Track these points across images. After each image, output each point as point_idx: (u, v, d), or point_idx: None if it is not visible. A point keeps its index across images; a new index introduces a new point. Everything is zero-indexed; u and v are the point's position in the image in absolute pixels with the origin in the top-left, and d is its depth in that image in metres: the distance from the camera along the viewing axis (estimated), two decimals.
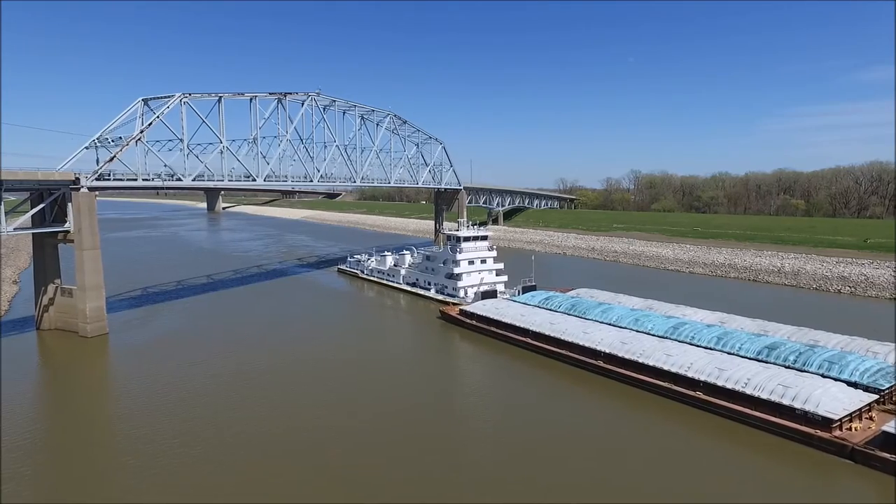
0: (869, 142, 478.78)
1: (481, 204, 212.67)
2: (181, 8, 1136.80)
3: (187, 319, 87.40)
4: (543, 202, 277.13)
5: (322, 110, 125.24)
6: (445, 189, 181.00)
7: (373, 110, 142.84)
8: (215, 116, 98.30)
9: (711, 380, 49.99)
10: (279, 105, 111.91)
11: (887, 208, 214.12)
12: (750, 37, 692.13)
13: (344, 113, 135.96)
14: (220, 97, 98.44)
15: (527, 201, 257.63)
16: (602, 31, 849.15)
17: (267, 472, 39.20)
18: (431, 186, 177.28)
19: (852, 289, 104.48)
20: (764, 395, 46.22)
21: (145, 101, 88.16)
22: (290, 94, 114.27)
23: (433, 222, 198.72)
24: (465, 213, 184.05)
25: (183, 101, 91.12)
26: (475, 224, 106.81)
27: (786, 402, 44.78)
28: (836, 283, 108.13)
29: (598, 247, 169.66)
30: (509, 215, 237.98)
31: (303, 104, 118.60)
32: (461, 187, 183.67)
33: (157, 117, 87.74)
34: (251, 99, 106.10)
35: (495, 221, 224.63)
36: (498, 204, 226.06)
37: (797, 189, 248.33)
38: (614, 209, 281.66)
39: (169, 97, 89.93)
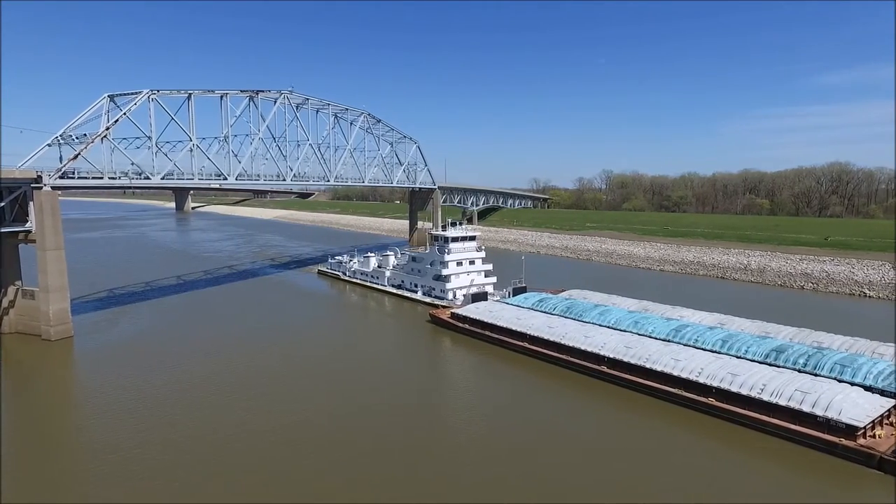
0: (829, 143, 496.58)
1: (455, 203, 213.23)
2: (154, 6, 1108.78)
3: (156, 322, 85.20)
4: (517, 202, 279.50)
5: (295, 108, 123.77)
6: (420, 188, 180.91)
7: (346, 109, 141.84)
8: (185, 114, 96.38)
9: (724, 385, 47.91)
10: (251, 103, 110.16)
11: (846, 207, 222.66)
12: (717, 40, 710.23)
13: (317, 111, 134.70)
14: (190, 94, 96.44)
15: (501, 201, 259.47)
16: (574, 34, 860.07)
17: (237, 480, 38.55)
18: (406, 186, 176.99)
19: (815, 285, 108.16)
20: (782, 402, 44.14)
21: (111, 98, 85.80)
22: (263, 91, 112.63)
23: (408, 222, 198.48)
24: (439, 213, 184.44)
25: (151, 97, 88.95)
26: (458, 223, 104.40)
27: (805, 408, 42.75)
28: (799, 280, 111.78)
29: (571, 245, 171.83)
30: (483, 215, 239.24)
31: (275, 102, 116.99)
32: (435, 187, 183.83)
33: (124, 114, 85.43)
34: (222, 96, 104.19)
35: (469, 221, 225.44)
36: (472, 203, 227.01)
37: (762, 189, 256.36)
38: (587, 208, 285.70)
39: (136, 93, 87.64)
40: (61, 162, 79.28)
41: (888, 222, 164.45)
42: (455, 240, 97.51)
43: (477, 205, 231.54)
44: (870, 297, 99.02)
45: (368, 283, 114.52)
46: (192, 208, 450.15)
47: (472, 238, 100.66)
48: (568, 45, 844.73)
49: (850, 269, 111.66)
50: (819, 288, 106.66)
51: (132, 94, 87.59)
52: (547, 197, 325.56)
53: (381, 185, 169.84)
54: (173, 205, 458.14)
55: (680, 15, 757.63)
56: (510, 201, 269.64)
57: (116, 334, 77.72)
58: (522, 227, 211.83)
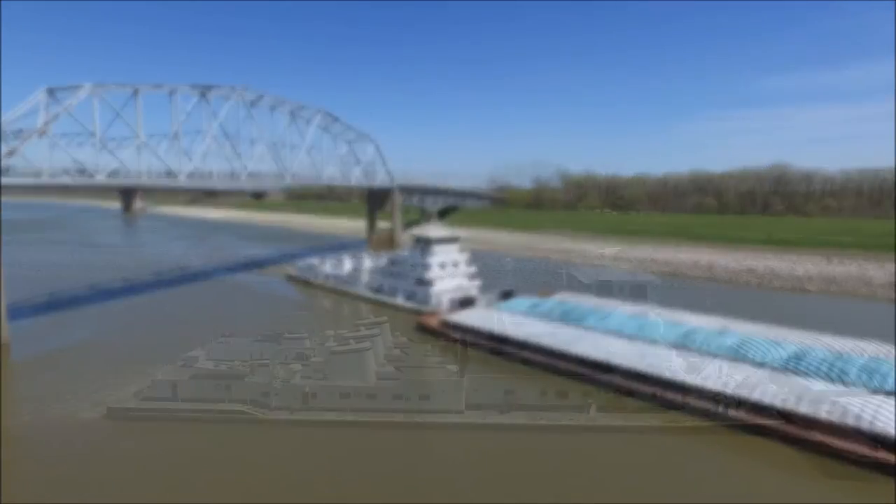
0: (771, 145, 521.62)
1: (414, 203, 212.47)
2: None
3: (102, 328, 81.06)
4: (476, 201, 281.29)
5: (249, 105, 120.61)
6: (378, 188, 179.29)
7: (302, 106, 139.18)
8: (131, 109, 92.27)
9: (790, 407, 44.55)
10: (202, 99, 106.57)
11: (786, 206, 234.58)
12: (668, 45, 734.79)
13: (272, 109, 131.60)
14: (137, 89, 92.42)
15: (460, 200, 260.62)
16: (532, 35, 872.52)
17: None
18: (364, 185, 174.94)
19: (759, 280, 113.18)
20: (828, 417, 41.88)
21: (50, 91, 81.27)
22: (214, 87, 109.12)
23: (366, 222, 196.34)
24: (397, 213, 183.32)
25: (94, 92, 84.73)
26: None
27: (850, 422, 40.76)
28: (745, 276, 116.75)
29: (529, 244, 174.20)
30: (442, 214, 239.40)
31: (228, 99, 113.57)
32: (394, 186, 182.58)
33: (65, 109, 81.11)
34: (171, 92, 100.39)
35: (429, 221, 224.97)
36: (431, 203, 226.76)
37: (710, 188, 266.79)
38: (544, 208, 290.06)
39: (77, 87, 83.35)
40: None
41: (825, 220, 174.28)
42: (438, 241, 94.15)
43: (436, 204, 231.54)
44: (810, 291, 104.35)
45: (343, 288, 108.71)
46: (140, 209, 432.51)
47: (456, 240, 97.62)
48: (529, 47, 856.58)
49: (792, 265, 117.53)
50: (764, 283, 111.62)
51: (73, 87, 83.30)
52: (505, 196, 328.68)
53: (338, 184, 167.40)
54: (119, 205, 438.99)
55: (635, 20, 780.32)
56: (469, 201, 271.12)
57: (57, 341, 73.63)
58: (481, 227, 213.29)
